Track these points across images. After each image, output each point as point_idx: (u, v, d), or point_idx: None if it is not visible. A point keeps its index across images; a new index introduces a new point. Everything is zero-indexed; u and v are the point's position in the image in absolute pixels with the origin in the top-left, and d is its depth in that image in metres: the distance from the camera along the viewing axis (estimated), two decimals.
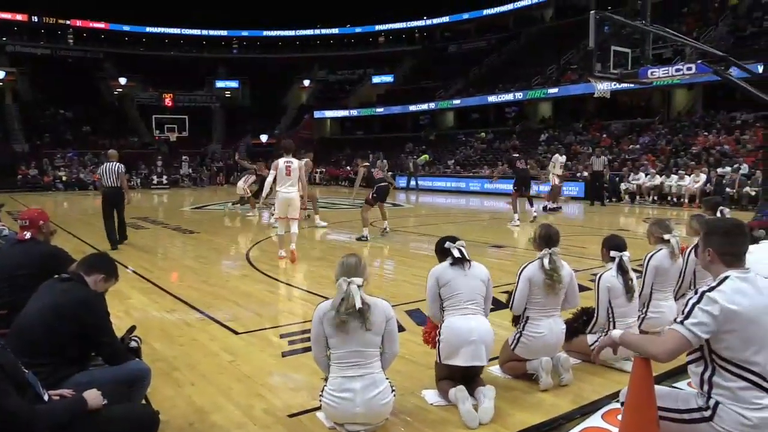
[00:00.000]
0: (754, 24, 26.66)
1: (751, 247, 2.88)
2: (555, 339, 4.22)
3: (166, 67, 48.94)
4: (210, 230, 13.60)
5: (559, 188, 18.06)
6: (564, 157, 18.60)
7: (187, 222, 15.46)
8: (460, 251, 3.91)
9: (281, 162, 8.89)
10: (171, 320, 5.95)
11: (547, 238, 4.24)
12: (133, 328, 3.71)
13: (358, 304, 3.25)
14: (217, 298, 6.86)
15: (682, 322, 2.51)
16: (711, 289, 2.55)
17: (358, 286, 3.31)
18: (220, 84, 51.46)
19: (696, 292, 2.60)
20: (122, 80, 46.89)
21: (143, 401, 3.47)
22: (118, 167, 10.75)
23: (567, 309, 4.43)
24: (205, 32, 55.15)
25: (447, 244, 3.95)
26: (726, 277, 2.58)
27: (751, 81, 9.43)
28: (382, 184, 11.52)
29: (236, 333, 5.47)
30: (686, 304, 2.57)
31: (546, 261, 4.15)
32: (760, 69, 9.46)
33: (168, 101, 44.27)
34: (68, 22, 50.24)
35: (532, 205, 14.40)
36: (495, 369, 4.37)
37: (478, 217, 17.09)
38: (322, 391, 3.39)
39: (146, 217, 16.45)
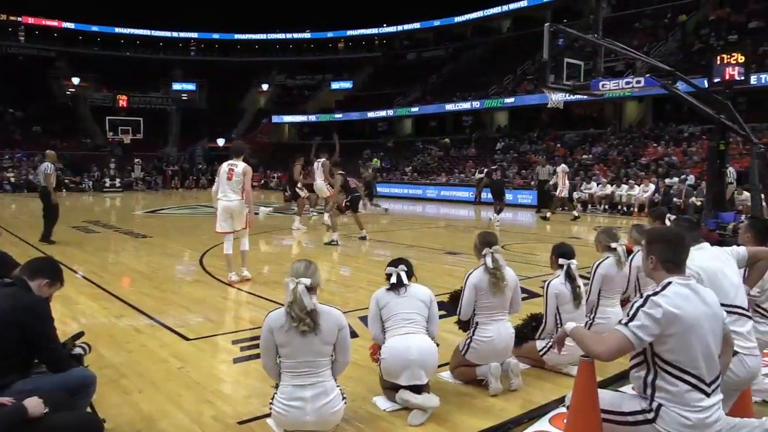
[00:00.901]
0: (701, 40, 27.64)
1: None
2: (504, 343, 4.30)
3: (121, 68, 47.89)
4: (163, 235, 13.36)
5: (561, 199, 18.14)
6: (565, 166, 18.84)
7: (139, 226, 15.15)
8: (398, 276, 3.97)
9: (224, 165, 7.79)
10: (120, 326, 5.82)
11: (486, 242, 4.38)
12: (80, 335, 3.62)
13: (309, 306, 3.23)
14: (168, 304, 6.74)
15: (626, 324, 2.60)
16: (655, 293, 2.65)
17: (306, 287, 3.28)
18: (176, 86, 50.59)
19: (641, 296, 2.70)
20: (75, 80, 45.72)
21: (88, 409, 3.39)
22: (45, 167, 10.77)
23: (512, 313, 4.53)
24: (162, 33, 54.21)
25: (387, 269, 4.04)
26: (669, 283, 2.69)
27: (697, 95, 9.78)
28: (357, 194, 11.67)
29: (187, 339, 5.40)
30: (631, 307, 2.66)
31: (489, 260, 4.27)
32: (706, 84, 9.75)
33: (122, 102, 43.31)
34: (20, 19, 48.71)
35: (498, 213, 14.82)
36: (446, 375, 4.42)
37: (435, 224, 17.22)
38: (272, 399, 3.37)
39: (97, 220, 16.08)
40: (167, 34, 54.35)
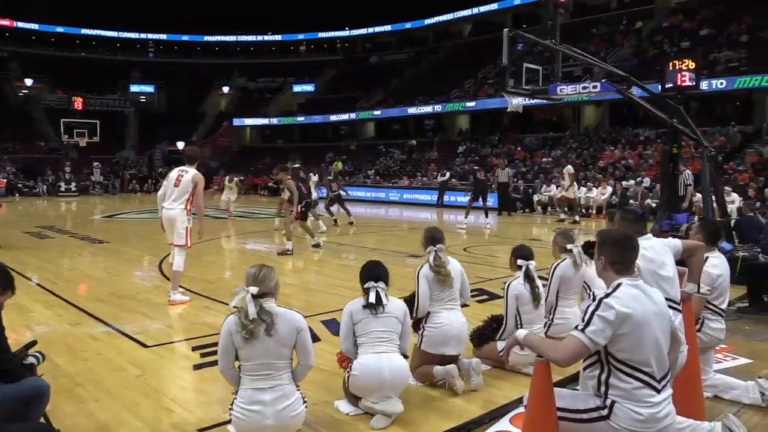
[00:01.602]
0: (655, 46, 28.38)
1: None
2: (457, 330, 4.40)
3: (76, 69, 46.72)
4: (122, 240, 13.10)
5: (571, 200, 18.23)
6: (570, 167, 18.99)
7: (96, 231, 14.80)
8: (377, 296, 3.85)
9: (174, 171, 7.20)
10: (75, 334, 5.68)
11: (431, 239, 4.50)
12: (33, 343, 3.52)
13: (252, 315, 3.21)
14: (125, 311, 6.61)
15: (582, 330, 2.66)
16: (607, 295, 2.73)
17: (253, 296, 3.26)
18: (134, 88, 49.52)
19: (594, 299, 2.77)
20: (28, 81, 44.41)
21: (42, 420, 3.31)
22: None
23: (463, 301, 4.66)
24: (119, 34, 53.07)
25: (368, 285, 3.89)
26: (619, 284, 2.77)
27: (650, 100, 10.03)
28: (309, 199, 11.45)
29: (145, 346, 5.30)
30: (585, 312, 2.72)
31: (431, 258, 4.41)
32: (659, 88, 10.01)
33: (78, 104, 42.15)
34: None
35: (487, 216, 14.97)
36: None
37: (398, 227, 17.28)
38: (231, 404, 3.34)
39: (52, 225, 15.66)
40: (125, 34, 53.25)
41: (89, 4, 49.93)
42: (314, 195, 15.07)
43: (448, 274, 4.39)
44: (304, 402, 3.41)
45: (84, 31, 51.57)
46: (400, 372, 3.80)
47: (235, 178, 19.78)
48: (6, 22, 48.50)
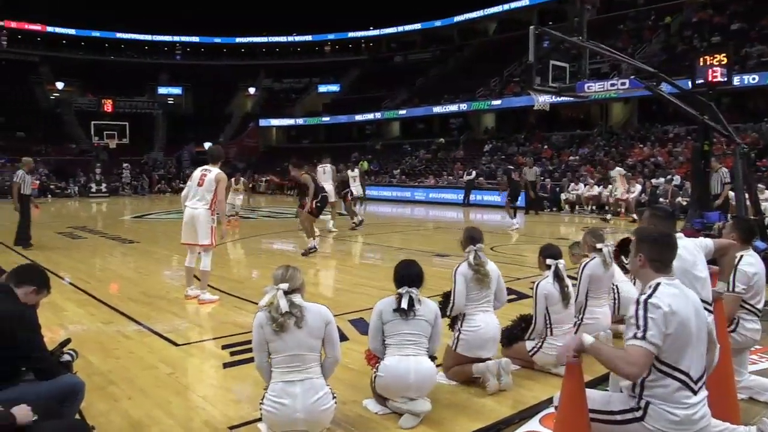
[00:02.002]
0: (684, 42, 27.91)
1: None
2: (492, 332, 4.39)
3: (105, 72, 47.65)
4: (151, 240, 13.29)
5: (624, 201, 17.98)
6: (620, 169, 18.77)
7: (127, 231, 15.05)
8: (409, 301, 3.80)
9: (197, 171, 7.25)
10: (108, 333, 5.78)
11: (471, 238, 4.49)
12: (67, 341, 3.59)
13: (284, 308, 3.29)
14: (156, 310, 6.71)
15: (643, 338, 2.55)
16: (650, 296, 2.65)
17: (284, 292, 3.34)
18: (162, 90, 50.34)
19: (637, 303, 2.66)
20: (59, 85, 45.38)
21: (77, 416, 3.37)
22: (14, 175, 11.16)
23: (497, 308, 4.58)
24: (147, 37, 53.85)
25: (401, 290, 3.85)
26: (658, 284, 2.71)
27: (681, 96, 9.86)
28: (325, 193, 11.19)
29: (176, 345, 5.37)
30: (635, 317, 2.60)
31: (471, 257, 4.40)
32: (690, 85, 9.83)
33: (108, 107, 43.01)
34: (2, 23, 48.19)
35: (514, 216, 14.78)
36: (439, 376, 4.41)
37: (424, 227, 17.24)
38: (262, 399, 3.36)
39: (84, 226, 15.96)
40: (153, 37, 54.02)
41: (117, 8, 50.73)
42: (356, 191, 15.40)
43: (487, 274, 4.38)
44: (334, 398, 3.43)
45: (112, 34, 52.54)
46: (427, 375, 3.78)
47: (242, 179, 18.29)
48: (37, 27, 49.57)
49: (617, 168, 18.72)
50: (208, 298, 7.05)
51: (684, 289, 2.76)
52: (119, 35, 52.97)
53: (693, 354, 2.66)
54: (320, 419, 3.37)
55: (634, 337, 2.57)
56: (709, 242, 3.85)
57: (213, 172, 7.07)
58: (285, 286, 3.36)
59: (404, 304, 3.79)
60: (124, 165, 35.05)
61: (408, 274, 3.94)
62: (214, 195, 7.00)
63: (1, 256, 9.31)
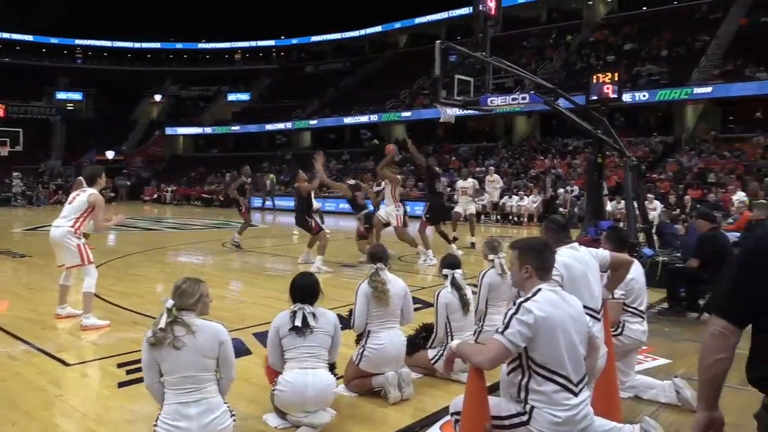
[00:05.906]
0: (583, 60, 29.50)
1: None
2: (396, 350, 4.40)
3: None
4: (46, 254, 12.49)
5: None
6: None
7: (18, 245, 14.10)
8: (303, 320, 3.79)
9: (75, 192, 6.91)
10: None
11: (372, 256, 4.54)
12: None
13: (161, 324, 3.19)
14: (46, 328, 6.33)
15: (502, 333, 2.73)
16: (526, 299, 2.81)
17: (168, 309, 3.23)
18: (61, 95, 47.70)
19: (514, 303, 2.84)
20: None
21: None
22: None
23: (404, 324, 4.62)
24: (44, 39, 51.05)
25: (295, 307, 3.84)
26: (539, 289, 2.86)
27: (576, 111, 10.39)
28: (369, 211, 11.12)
29: (67, 364, 5.09)
30: (505, 315, 2.80)
31: (372, 275, 4.41)
32: (585, 100, 10.39)
33: None
34: None
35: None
36: (340, 388, 4.40)
37: (333, 237, 17.20)
38: (156, 421, 3.24)
39: None
40: (51, 40, 51.27)
41: (13, 8, 47.77)
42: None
43: (385, 292, 4.34)
44: (232, 415, 3.35)
45: (7, 35, 49.38)
46: (325, 389, 3.77)
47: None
48: None
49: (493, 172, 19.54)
50: (92, 323, 6.27)
51: (564, 295, 2.92)
52: (15, 36, 49.90)
53: (571, 357, 2.80)
54: None
55: (496, 331, 2.78)
56: (606, 255, 3.97)
57: (87, 192, 6.63)
58: (170, 303, 3.24)
59: (298, 322, 3.77)
60: (14, 174, 32.91)
61: (301, 289, 3.90)
62: (83, 215, 6.58)
63: None
